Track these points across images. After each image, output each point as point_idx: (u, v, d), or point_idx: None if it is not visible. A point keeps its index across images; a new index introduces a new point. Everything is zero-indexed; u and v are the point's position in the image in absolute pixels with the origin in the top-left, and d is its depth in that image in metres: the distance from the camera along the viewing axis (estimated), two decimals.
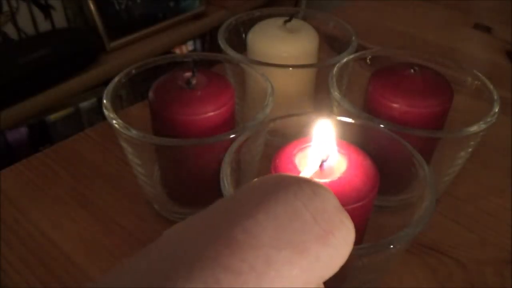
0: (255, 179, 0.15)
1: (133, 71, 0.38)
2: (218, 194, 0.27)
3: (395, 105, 0.36)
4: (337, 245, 0.13)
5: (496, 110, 0.35)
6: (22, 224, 0.37)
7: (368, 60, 0.43)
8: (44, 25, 0.61)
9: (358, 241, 0.28)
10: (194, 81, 0.35)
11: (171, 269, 0.12)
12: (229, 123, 0.36)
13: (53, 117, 0.96)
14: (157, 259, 0.12)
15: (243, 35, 0.48)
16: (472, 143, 0.36)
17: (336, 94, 0.36)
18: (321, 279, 0.13)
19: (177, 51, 0.86)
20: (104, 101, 0.34)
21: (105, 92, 0.35)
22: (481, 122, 0.34)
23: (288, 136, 0.31)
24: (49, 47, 0.57)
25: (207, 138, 0.32)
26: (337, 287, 0.30)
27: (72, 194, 0.40)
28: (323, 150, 0.27)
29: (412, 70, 0.37)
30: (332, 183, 0.26)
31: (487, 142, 0.36)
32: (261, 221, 0.13)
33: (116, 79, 0.37)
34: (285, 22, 0.46)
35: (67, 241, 0.36)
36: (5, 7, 0.56)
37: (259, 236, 0.12)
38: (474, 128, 0.34)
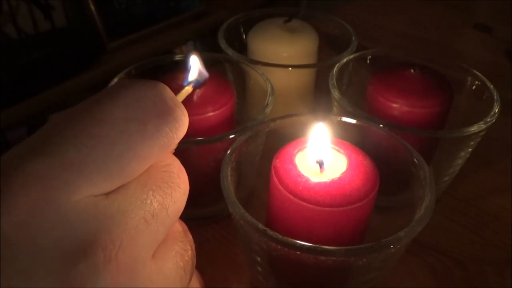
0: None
1: (133, 71, 0.38)
2: (218, 194, 0.27)
3: (395, 105, 0.36)
4: (175, 119, 0.18)
5: (496, 110, 0.35)
6: None
7: (368, 60, 0.43)
8: (44, 25, 0.61)
9: (358, 241, 0.29)
10: None
11: (51, 136, 0.16)
12: (229, 123, 0.36)
13: None
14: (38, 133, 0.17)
15: (243, 35, 0.48)
16: (472, 143, 0.36)
17: (336, 94, 0.36)
18: (162, 147, 0.18)
19: (177, 51, 0.86)
20: None
21: None
22: (481, 122, 0.34)
23: (288, 136, 0.31)
24: (49, 47, 0.56)
25: (207, 138, 0.32)
26: (337, 287, 0.30)
27: None
28: (322, 150, 0.28)
29: (412, 70, 0.37)
30: (332, 183, 0.26)
31: (487, 142, 0.36)
32: (115, 103, 0.17)
33: (116, 79, 0.37)
34: (285, 22, 0.46)
35: None
36: (5, 7, 0.56)
37: (113, 113, 0.17)
38: (474, 128, 0.34)
